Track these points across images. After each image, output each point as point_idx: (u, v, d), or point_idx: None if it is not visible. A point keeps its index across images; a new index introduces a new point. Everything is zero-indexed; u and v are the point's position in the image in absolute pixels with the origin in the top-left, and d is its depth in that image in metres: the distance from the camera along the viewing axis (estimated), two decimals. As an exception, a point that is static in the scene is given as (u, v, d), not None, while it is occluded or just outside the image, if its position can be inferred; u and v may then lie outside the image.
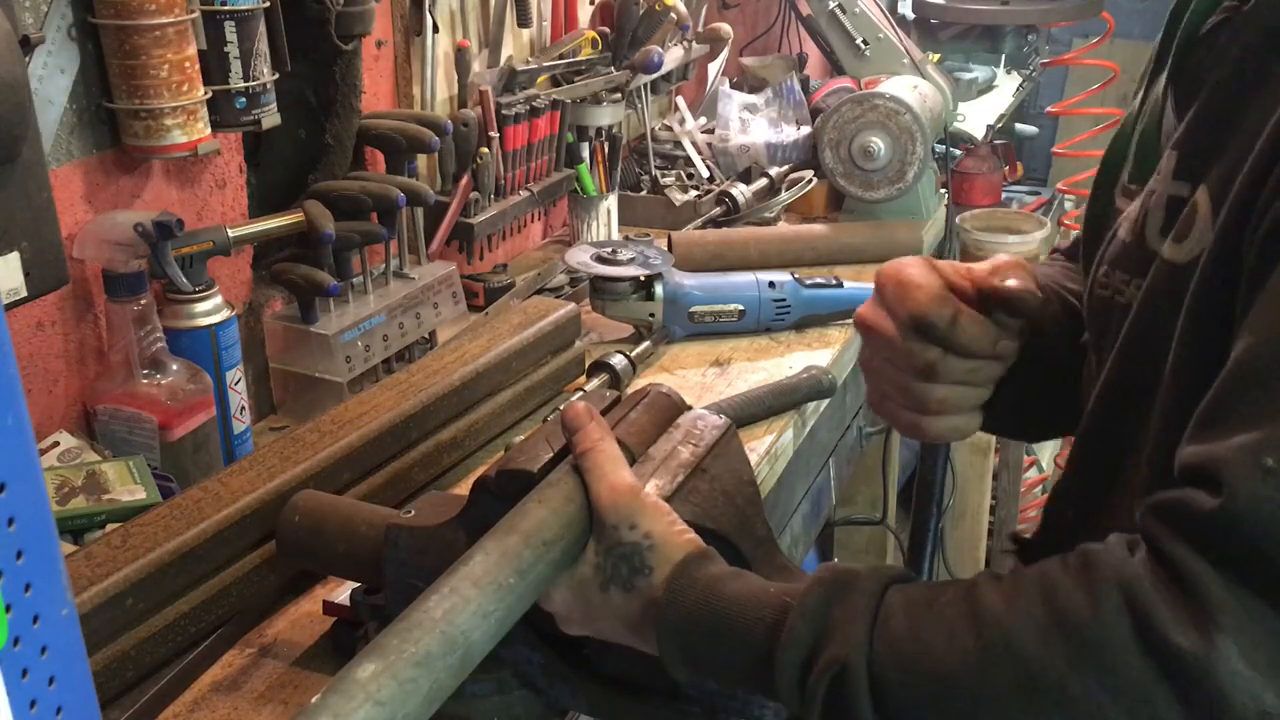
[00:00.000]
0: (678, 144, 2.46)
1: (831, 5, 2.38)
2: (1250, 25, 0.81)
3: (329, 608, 1.06)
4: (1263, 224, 0.71)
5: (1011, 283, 0.93)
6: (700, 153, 2.44)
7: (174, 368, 1.31)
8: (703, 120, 2.57)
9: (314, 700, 0.63)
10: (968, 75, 3.16)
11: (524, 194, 1.97)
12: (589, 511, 0.83)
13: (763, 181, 2.28)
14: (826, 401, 1.70)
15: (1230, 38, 0.83)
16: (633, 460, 0.93)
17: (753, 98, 2.54)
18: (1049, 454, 3.42)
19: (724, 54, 2.65)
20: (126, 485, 1.17)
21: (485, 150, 1.84)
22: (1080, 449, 0.93)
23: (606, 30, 2.13)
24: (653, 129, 2.42)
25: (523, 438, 0.97)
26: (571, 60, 2.07)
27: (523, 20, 2.00)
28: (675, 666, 0.81)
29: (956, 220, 2.46)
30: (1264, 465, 0.65)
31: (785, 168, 2.35)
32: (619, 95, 2.14)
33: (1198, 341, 0.76)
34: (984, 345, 0.95)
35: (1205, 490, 0.68)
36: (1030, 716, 0.69)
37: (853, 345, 1.80)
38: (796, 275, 1.75)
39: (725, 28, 2.56)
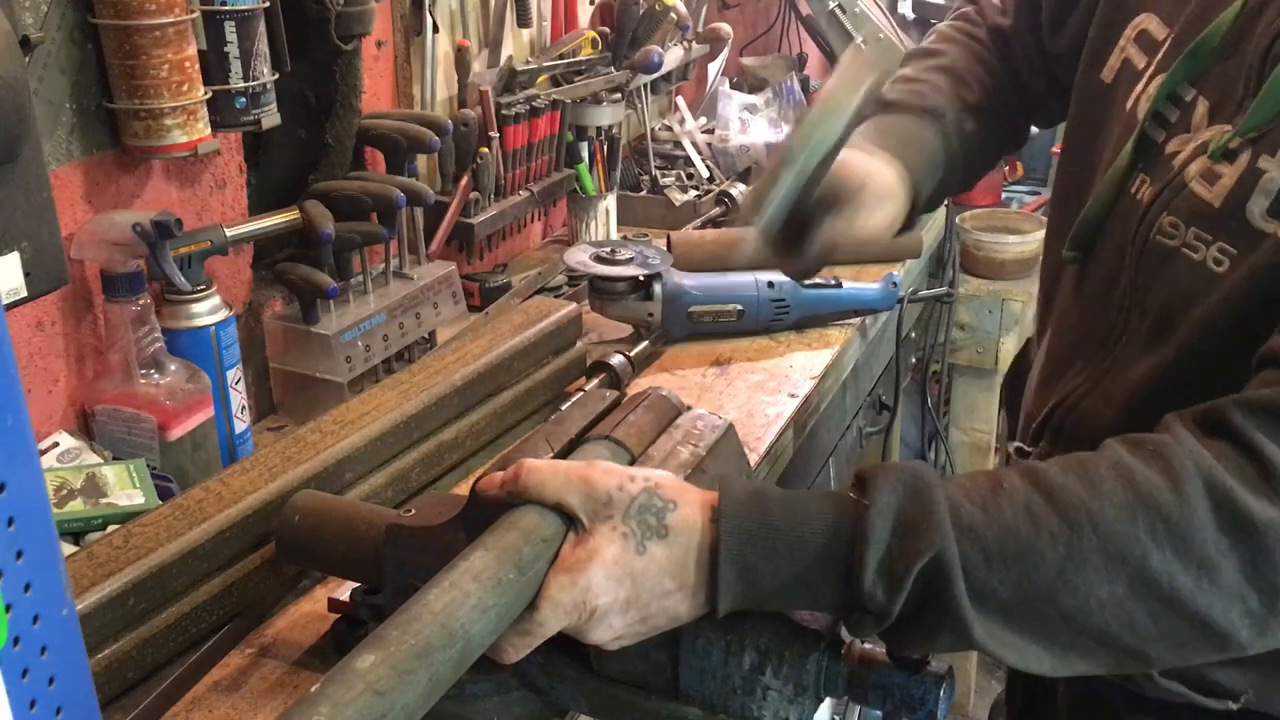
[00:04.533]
0: (678, 144, 2.47)
1: (831, 5, 2.38)
2: None
3: (333, 605, 1.06)
4: None
5: None
6: (700, 153, 2.44)
7: (172, 368, 1.31)
8: (703, 120, 2.57)
9: (313, 689, 0.63)
10: (968, 75, 3.15)
11: (524, 194, 1.97)
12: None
13: (763, 181, 2.28)
14: (827, 401, 1.70)
15: None
16: (632, 460, 0.93)
17: (753, 98, 2.54)
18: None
19: (724, 54, 2.65)
20: (125, 489, 1.17)
21: (485, 150, 1.84)
22: (1146, 383, 1.00)
23: (606, 30, 2.13)
24: (653, 129, 2.42)
25: (523, 438, 0.97)
26: (571, 60, 2.07)
27: (523, 20, 2.00)
28: (729, 588, 0.79)
29: (956, 220, 2.46)
30: None
31: (785, 168, 2.35)
32: (619, 95, 2.14)
33: None
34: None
35: None
36: (1108, 586, 0.77)
37: (853, 345, 1.80)
38: (796, 275, 1.75)
39: (725, 28, 2.56)
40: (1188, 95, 0.99)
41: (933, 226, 2.31)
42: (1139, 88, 1.03)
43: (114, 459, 1.25)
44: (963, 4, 1.37)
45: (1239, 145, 0.92)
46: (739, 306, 1.71)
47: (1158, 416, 0.98)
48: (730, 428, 1.00)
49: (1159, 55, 1.02)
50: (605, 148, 2.17)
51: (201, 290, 1.35)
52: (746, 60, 2.89)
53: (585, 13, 2.23)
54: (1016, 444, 1.14)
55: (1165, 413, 0.97)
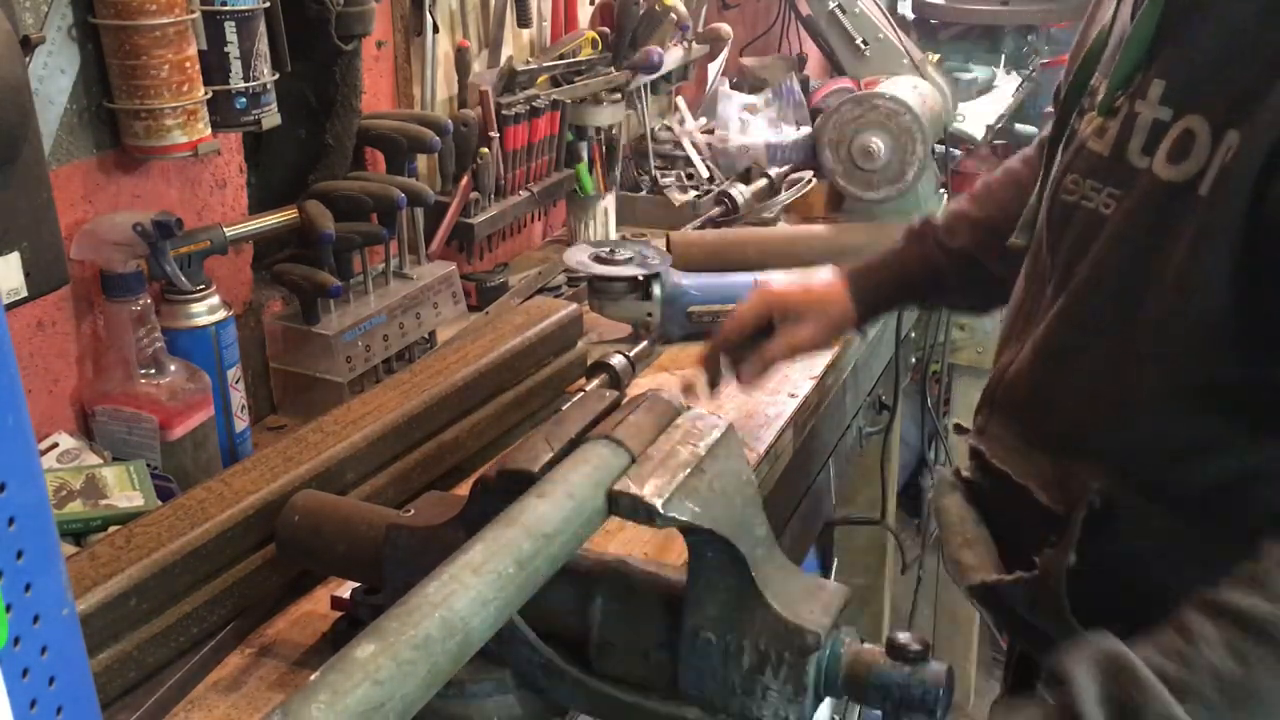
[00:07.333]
0: (678, 144, 2.46)
1: (831, 5, 2.37)
2: None
3: (336, 602, 1.06)
4: None
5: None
6: (700, 153, 2.44)
7: (172, 368, 1.31)
8: (703, 120, 2.57)
9: (313, 678, 0.63)
10: (967, 75, 3.16)
11: (524, 194, 1.97)
12: (588, 506, 0.82)
13: (762, 182, 2.29)
14: (827, 401, 1.70)
15: None
16: (632, 460, 0.93)
17: (753, 98, 2.54)
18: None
19: (724, 54, 2.65)
20: (125, 491, 1.17)
21: (485, 150, 1.84)
22: (1047, 336, 1.06)
23: (606, 30, 2.13)
24: (653, 129, 2.42)
25: (523, 439, 0.97)
26: (571, 60, 2.07)
27: (523, 20, 2.00)
28: None
29: (956, 220, 2.45)
30: None
31: (785, 168, 2.35)
32: (619, 95, 2.14)
33: (1206, 251, 0.89)
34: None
35: None
36: None
37: (853, 345, 1.80)
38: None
39: (725, 28, 2.56)
40: (1092, 82, 1.09)
41: (933, 226, 2.31)
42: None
43: (114, 459, 1.25)
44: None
45: (1121, 101, 1.00)
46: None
47: (1054, 370, 1.06)
48: (730, 428, 1.00)
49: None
50: (604, 148, 2.17)
51: (201, 290, 1.35)
52: (746, 60, 2.89)
53: (585, 13, 2.23)
54: (955, 420, 1.19)
55: (1056, 368, 1.06)
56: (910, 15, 3.35)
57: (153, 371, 1.30)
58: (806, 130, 2.42)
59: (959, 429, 1.23)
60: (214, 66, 1.32)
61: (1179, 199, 0.92)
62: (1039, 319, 1.09)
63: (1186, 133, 0.93)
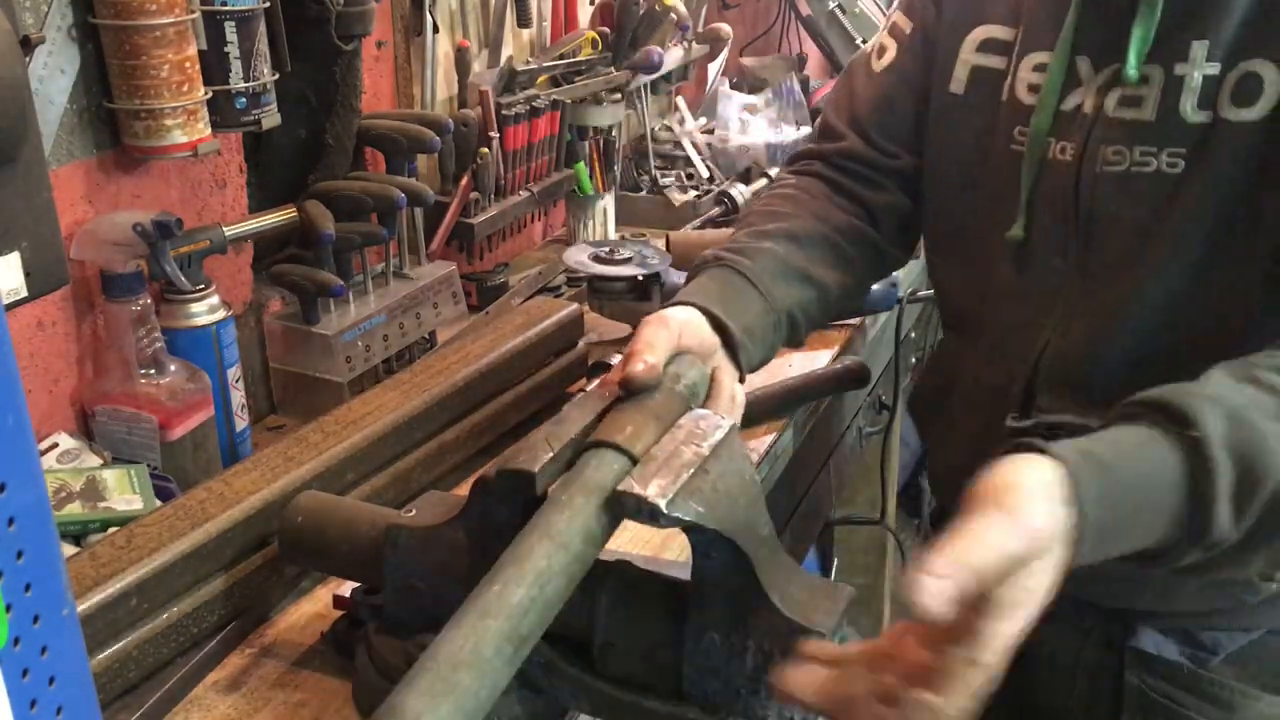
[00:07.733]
0: (678, 144, 2.46)
1: (831, 5, 2.38)
2: None
3: (338, 601, 1.06)
4: None
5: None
6: (700, 153, 2.44)
7: (172, 368, 1.31)
8: (703, 120, 2.57)
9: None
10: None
11: (524, 194, 1.97)
12: (591, 523, 0.81)
13: (762, 182, 2.28)
14: (827, 401, 1.70)
15: None
16: (634, 462, 0.93)
17: (752, 98, 2.54)
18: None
19: (724, 54, 2.65)
20: (124, 494, 1.16)
21: (485, 150, 1.84)
22: (1134, 301, 1.05)
23: (606, 30, 2.13)
24: (653, 129, 2.42)
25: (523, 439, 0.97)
26: (571, 60, 2.07)
27: (523, 20, 2.00)
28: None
29: (956, 220, 2.45)
30: None
31: (785, 168, 2.35)
32: (619, 95, 2.14)
33: None
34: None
35: None
36: None
37: (852, 345, 1.80)
38: (797, 275, 1.75)
39: (725, 28, 2.56)
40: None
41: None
42: (1008, 82, 1.12)
43: (114, 459, 1.25)
44: (801, 146, 1.36)
45: (1148, 70, 1.03)
46: (739, 306, 1.71)
47: (1170, 323, 1.05)
48: (734, 428, 0.99)
49: (1015, 50, 1.12)
50: (601, 147, 2.17)
51: (201, 290, 1.34)
52: (746, 60, 2.89)
53: (585, 13, 2.23)
54: (1014, 415, 1.13)
55: (1178, 317, 1.04)
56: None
57: (153, 371, 1.30)
58: (806, 130, 2.42)
59: (1016, 420, 1.14)
60: (214, 66, 1.32)
61: (1266, 136, 0.97)
62: (1085, 294, 1.08)
63: (1249, 76, 0.98)
